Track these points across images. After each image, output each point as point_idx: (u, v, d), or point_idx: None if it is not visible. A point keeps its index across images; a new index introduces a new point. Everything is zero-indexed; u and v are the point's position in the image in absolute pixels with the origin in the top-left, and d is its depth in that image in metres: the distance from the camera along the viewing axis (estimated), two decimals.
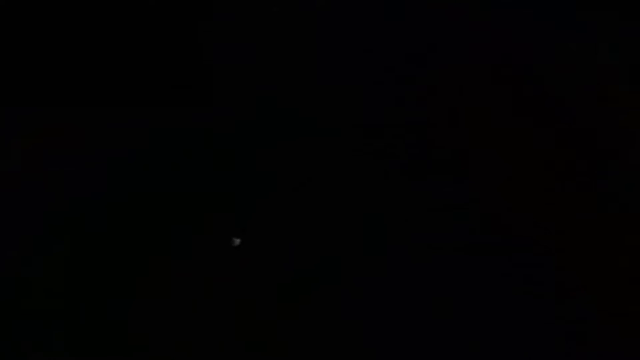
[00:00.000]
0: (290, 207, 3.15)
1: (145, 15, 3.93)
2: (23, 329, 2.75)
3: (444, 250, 3.05)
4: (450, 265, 3.02)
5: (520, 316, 2.87)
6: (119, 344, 2.75)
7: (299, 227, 3.08)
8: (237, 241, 2.95)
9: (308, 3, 4.22)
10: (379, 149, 3.43)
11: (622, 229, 3.12)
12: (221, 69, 3.71)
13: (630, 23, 4.11)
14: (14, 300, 2.83)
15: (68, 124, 3.48)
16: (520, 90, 3.80)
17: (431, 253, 3.04)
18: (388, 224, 3.12)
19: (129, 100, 3.61)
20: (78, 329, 2.78)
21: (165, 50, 3.79)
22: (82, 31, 3.82)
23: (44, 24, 3.89)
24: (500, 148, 3.51)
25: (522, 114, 3.67)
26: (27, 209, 3.11)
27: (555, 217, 3.19)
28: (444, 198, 3.26)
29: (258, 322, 2.82)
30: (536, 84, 3.84)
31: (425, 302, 2.87)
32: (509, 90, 3.81)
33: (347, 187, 3.24)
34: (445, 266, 3.01)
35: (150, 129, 3.43)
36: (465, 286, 2.93)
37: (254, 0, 4.25)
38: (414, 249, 3.04)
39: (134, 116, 3.52)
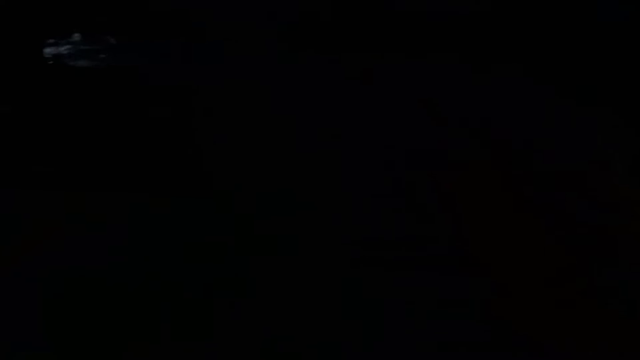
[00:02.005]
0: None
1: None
2: None
3: (442, 347, 3.05)
4: None
5: None
6: None
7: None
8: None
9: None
10: (376, 245, 3.49)
11: (621, 329, 3.12)
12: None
13: (625, 119, 4.20)
14: None
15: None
16: (521, 186, 3.85)
17: (429, 349, 3.04)
18: (386, 322, 3.13)
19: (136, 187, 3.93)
20: None
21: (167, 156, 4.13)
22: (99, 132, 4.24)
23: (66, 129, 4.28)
24: (500, 244, 3.55)
25: (523, 210, 3.71)
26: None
27: (555, 315, 3.20)
28: (443, 293, 3.28)
29: None
30: (537, 180, 3.89)
31: None
32: (509, 186, 3.86)
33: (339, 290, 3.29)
34: None
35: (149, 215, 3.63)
36: None
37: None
38: (409, 345, 3.04)
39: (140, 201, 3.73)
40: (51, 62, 4.11)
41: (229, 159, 4.10)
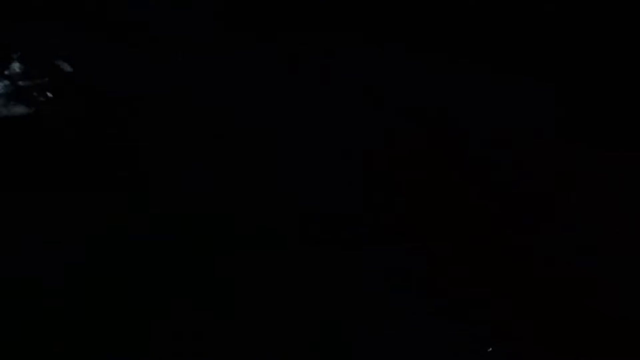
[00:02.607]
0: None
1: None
2: None
3: (390, 315, 3.22)
4: (396, 329, 3.16)
5: None
6: None
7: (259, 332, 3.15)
8: None
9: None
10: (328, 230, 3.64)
11: (556, 286, 3.35)
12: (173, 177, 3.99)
13: (549, 84, 4.40)
14: None
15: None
16: (457, 155, 4.05)
17: (380, 319, 3.21)
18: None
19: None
20: None
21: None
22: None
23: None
24: (439, 212, 3.74)
25: (459, 177, 3.91)
26: None
27: (494, 280, 3.41)
28: (387, 264, 3.47)
29: None
30: (472, 147, 4.09)
31: None
32: (445, 155, 4.06)
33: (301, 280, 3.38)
34: (392, 331, 3.15)
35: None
36: (410, 350, 3.11)
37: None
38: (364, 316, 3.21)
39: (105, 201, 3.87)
40: None
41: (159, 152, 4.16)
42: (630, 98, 4.45)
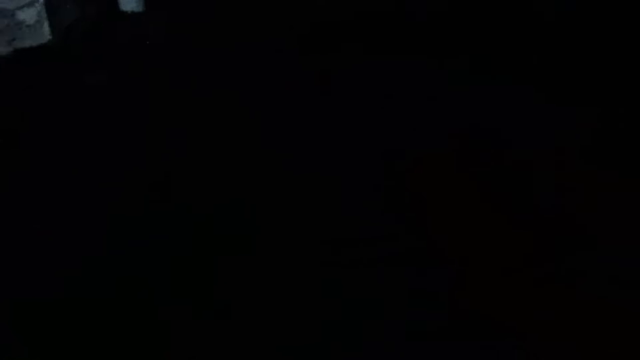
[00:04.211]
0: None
1: None
2: None
3: (413, 337, 3.04)
4: (420, 352, 3.00)
5: None
6: None
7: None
8: None
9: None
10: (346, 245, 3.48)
11: (597, 313, 3.12)
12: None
13: (587, 106, 4.21)
14: None
15: None
16: (488, 176, 3.83)
17: (401, 341, 3.02)
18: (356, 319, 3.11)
19: None
20: None
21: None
22: None
23: None
24: (467, 233, 3.53)
25: (490, 199, 3.69)
26: None
27: (522, 301, 3.19)
28: (413, 286, 3.26)
29: None
30: (504, 170, 3.87)
31: None
32: (475, 176, 3.84)
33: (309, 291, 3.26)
34: (415, 353, 2.99)
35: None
36: None
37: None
38: (386, 338, 3.02)
39: None
40: None
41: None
42: None
